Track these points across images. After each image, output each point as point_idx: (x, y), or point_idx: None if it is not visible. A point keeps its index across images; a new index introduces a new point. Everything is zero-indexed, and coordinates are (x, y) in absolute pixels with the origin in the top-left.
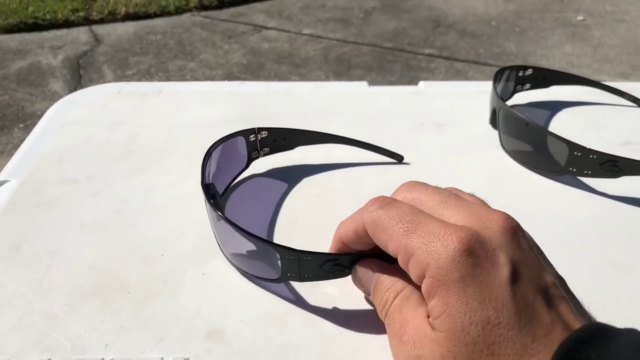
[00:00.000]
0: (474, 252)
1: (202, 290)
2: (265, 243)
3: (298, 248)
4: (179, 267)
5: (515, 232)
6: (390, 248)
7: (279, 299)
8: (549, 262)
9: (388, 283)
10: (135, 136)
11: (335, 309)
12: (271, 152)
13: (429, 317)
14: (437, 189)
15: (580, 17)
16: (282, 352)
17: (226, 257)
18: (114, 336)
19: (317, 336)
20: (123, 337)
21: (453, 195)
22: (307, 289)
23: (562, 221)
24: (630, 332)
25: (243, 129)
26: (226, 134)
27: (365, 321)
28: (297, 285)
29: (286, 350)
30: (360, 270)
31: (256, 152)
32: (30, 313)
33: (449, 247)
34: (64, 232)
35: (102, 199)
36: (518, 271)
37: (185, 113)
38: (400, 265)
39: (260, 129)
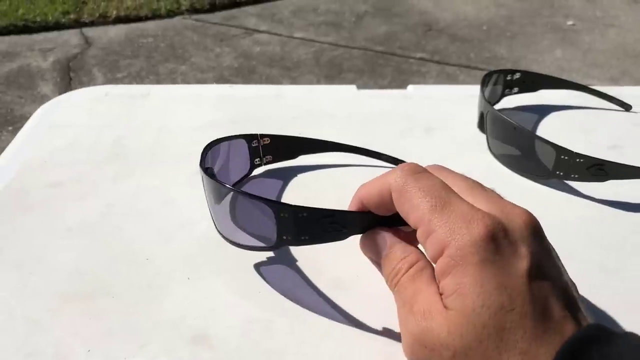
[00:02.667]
0: (497, 239)
1: (187, 295)
2: (259, 200)
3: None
4: (165, 271)
5: (538, 230)
6: (412, 219)
7: (265, 303)
8: (563, 266)
9: (402, 253)
10: (122, 139)
11: (322, 314)
12: (274, 160)
13: (441, 294)
14: (462, 175)
15: (570, 22)
16: (269, 357)
17: (222, 236)
18: (97, 341)
19: (304, 341)
20: (106, 342)
21: (478, 184)
22: (295, 294)
23: (549, 225)
24: (632, 335)
25: (245, 133)
26: (221, 136)
27: (353, 326)
28: (283, 289)
29: (273, 356)
30: (372, 236)
31: (259, 159)
32: (11, 319)
33: (473, 230)
34: (48, 236)
35: (88, 203)
36: (537, 266)
37: (173, 116)
38: (418, 239)
39: (262, 136)
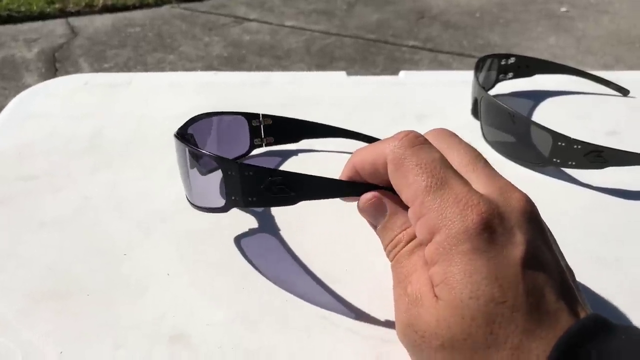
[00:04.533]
0: (492, 227)
1: (166, 292)
2: (209, 157)
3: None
4: (143, 267)
5: (536, 216)
6: (405, 196)
7: (248, 299)
8: (561, 252)
9: (402, 223)
10: (101, 129)
11: (309, 311)
12: (276, 142)
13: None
14: (469, 146)
15: (564, 9)
16: (252, 357)
17: (188, 201)
18: (69, 343)
19: (288, 339)
20: (80, 343)
21: (483, 159)
22: (280, 290)
23: (545, 214)
24: (631, 329)
25: (246, 111)
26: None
27: (339, 323)
28: (267, 286)
29: (256, 355)
30: (374, 200)
31: (259, 139)
32: None
33: (466, 217)
34: (20, 231)
35: (63, 196)
36: (532, 254)
37: (155, 105)
38: (410, 219)
39: (265, 116)
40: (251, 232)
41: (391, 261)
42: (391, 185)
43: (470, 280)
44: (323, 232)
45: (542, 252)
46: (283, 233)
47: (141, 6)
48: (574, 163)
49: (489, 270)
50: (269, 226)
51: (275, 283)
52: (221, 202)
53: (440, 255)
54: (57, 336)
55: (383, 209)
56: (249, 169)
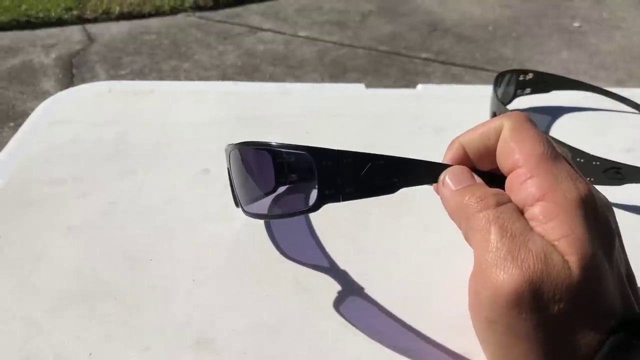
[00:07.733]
0: (594, 205)
1: (191, 297)
2: (296, 149)
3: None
4: (169, 272)
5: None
6: (517, 155)
7: (271, 307)
8: None
9: (488, 189)
10: (125, 136)
11: (330, 318)
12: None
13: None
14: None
15: (576, 24)
16: None
17: (254, 215)
18: (98, 345)
19: (311, 346)
20: (108, 345)
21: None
22: (301, 297)
23: None
24: None
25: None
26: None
27: (361, 331)
28: (291, 293)
29: None
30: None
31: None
32: (10, 319)
33: (580, 189)
34: (48, 235)
35: (89, 201)
36: (620, 244)
37: (177, 113)
38: (513, 179)
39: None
40: (275, 241)
41: (482, 211)
42: (496, 170)
43: (592, 237)
44: (344, 241)
45: (620, 243)
46: (305, 242)
47: (157, 14)
48: (592, 179)
49: (598, 235)
50: (292, 235)
51: (298, 291)
52: (309, 201)
53: (558, 212)
54: (86, 338)
55: (470, 177)
56: (348, 156)
